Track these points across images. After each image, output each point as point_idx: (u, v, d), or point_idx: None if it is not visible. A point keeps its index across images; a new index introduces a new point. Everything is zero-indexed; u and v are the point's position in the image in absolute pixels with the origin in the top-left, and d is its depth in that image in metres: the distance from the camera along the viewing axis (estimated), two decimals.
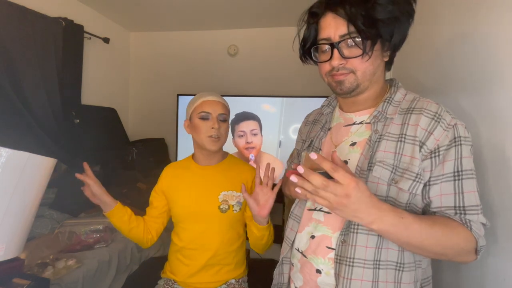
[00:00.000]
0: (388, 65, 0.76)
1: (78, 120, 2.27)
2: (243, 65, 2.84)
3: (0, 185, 1.01)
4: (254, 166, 1.14)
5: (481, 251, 0.63)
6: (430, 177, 0.65)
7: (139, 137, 2.98)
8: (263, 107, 2.44)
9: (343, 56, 0.67)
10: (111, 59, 2.81)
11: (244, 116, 2.41)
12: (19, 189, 1.06)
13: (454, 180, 0.63)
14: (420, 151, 0.64)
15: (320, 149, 0.79)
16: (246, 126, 2.40)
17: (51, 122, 1.97)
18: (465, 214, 0.63)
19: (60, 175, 2.14)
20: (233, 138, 2.44)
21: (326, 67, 0.71)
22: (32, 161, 1.09)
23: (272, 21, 2.62)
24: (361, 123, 0.75)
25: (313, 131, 0.88)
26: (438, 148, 0.64)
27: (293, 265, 0.79)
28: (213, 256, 1.06)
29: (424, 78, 1.21)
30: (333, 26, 0.67)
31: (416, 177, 0.64)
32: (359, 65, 0.67)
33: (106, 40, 2.55)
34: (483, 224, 0.63)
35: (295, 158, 0.99)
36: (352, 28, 0.65)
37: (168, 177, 1.13)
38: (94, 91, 2.55)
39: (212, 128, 1.01)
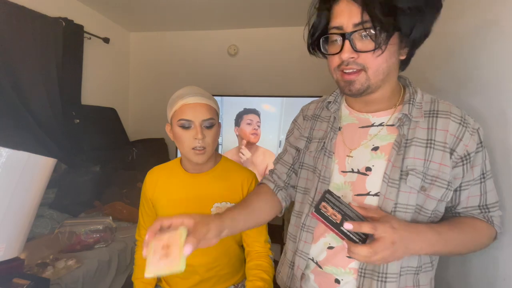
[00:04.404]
0: (403, 65, 0.68)
1: (78, 120, 2.27)
2: (243, 65, 2.84)
3: (0, 185, 1.02)
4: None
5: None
6: (461, 183, 0.65)
7: (139, 137, 2.98)
8: (263, 107, 2.45)
9: (355, 49, 0.59)
10: (111, 59, 2.81)
11: (252, 110, 2.51)
12: (19, 189, 1.06)
13: (481, 182, 0.67)
14: (450, 158, 0.62)
15: (333, 153, 0.72)
16: (253, 117, 2.49)
17: (51, 122, 1.97)
18: (488, 211, 0.68)
19: (60, 175, 2.14)
20: (238, 127, 2.46)
21: (335, 60, 0.63)
22: (32, 161, 1.09)
23: (272, 21, 2.62)
24: (380, 125, 0.68)
25: (318, 129, 0.79)
26: (468, 154, 0.63)
27: (304, 275, 0.76)
28: (210, 269, 1.00)
29: (433, 77, 1.16)
30: (347, 14, 0.59)
31: (448, 185, 0.62)
32: (372, 62, 0.59)
33: (106, 40, 2.55)
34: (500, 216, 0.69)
35: (285, 153, 0.90)
36: (367, 17, 0.56)
37: (152, 185, 1.00)
38: (94, 91, 2.55)
39: (195, 139, 0.85)
